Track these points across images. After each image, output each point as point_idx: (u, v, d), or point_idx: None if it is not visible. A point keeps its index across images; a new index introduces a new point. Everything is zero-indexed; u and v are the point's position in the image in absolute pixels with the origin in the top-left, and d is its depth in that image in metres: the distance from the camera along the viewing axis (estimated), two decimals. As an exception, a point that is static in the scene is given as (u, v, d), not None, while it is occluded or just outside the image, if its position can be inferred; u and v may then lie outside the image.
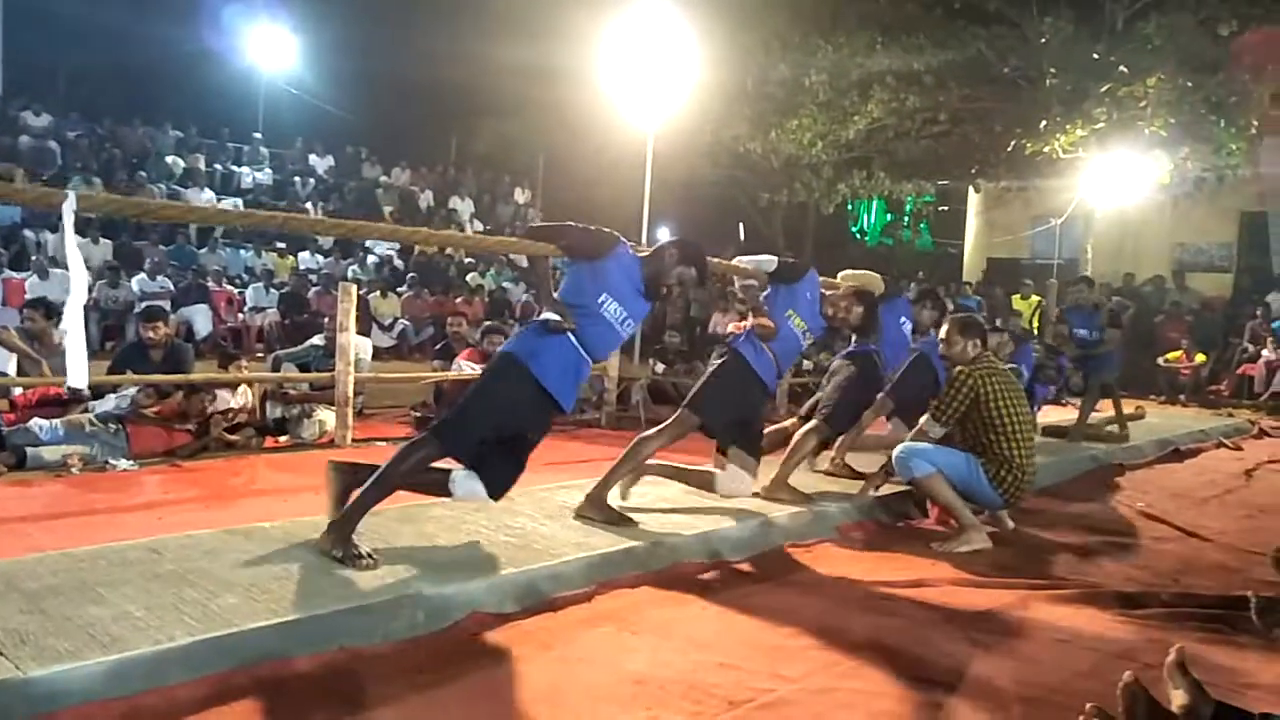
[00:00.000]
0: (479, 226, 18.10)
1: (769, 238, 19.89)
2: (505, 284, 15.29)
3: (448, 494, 3.27)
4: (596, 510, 3.77)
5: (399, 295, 13.43)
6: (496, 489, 3.26)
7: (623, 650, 2.67)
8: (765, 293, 4.34)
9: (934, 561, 3.77)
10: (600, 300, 3.36)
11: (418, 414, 6.95)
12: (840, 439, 4.98)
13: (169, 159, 15.67)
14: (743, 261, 4.49)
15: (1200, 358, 12.38)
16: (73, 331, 2.93)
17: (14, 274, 10.95)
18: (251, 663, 2.37)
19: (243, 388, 5.97)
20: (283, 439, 5.92)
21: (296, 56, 20.03)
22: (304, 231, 13.32)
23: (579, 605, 3.00)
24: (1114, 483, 5.86)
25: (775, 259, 4.43)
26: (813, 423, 4.65)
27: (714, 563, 3.50)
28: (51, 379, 5.48)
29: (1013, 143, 13.83)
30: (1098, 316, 7.76)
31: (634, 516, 3.81)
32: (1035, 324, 12.50)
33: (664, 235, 23.54)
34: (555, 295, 3.42)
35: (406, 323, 12.73)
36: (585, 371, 3.41)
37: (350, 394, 5.90)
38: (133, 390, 5.42)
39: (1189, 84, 11.72)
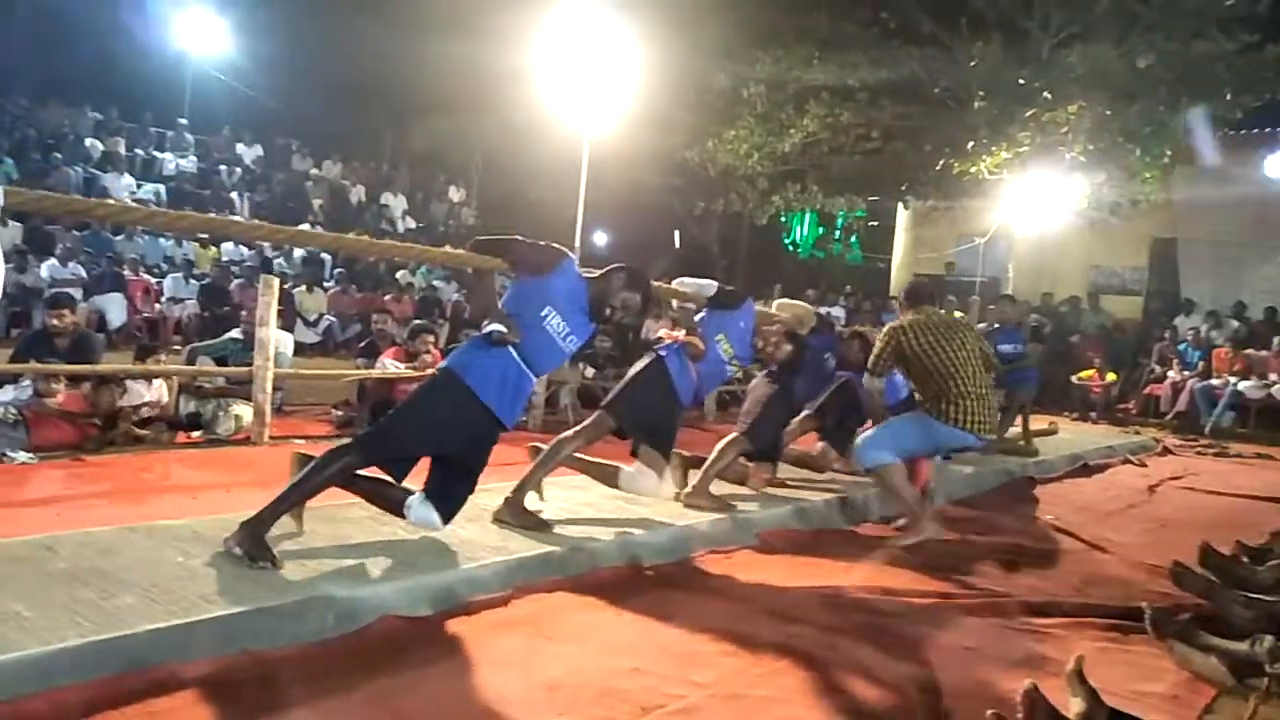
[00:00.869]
0: (411, 224, 17.86)
1: (704, 246, 20.05)
2: (436, 282, 15.09)
3: (401, 515, 3.24)
4: (514, 515, 3.74)
5: (325, 290, 13.15)
6: (449, 514, 3.26)
7: (537, 655, 2.65)
8: (700, 315, 4.42)
9: (849, 568, 3.83)
10: (543, 314, 3.36)
11: (339, 413, 6.80)
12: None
13: (87, 142, 15.09)
14: (685, 285, 4.56)
15: (1111, 377, 12.86)
16: None
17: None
18: (146, 666, 2.28)
19: (157, 381, 5.76)
20: (196, 435, 5.74)
21: (227, 42, 19.44)
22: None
23: (494, 610, 2.96)
24: (1026, 496, 6.04)
25: (716, 285, 4.53)
26: (734, 435, 4.70)
27: (632, 568, 3.50)
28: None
29: (941, 162, 14.19)
30: (1020, 333, 8.12)
31: (554, 521, 3.79)
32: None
33: (600, 240, 23.56)
34: (500, 307, 3.40)
35: (332, 319, 12.46)
36: (528, 386, 3.39)
37: (269, 390, 5.75)
38: (34, 380, 5.18)
39: (1108, 112, 12.19)
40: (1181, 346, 12.95)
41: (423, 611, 2.86)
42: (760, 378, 5.02)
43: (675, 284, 4.59)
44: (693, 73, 14.11)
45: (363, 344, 7.58)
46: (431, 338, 6.89)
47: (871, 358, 4.29)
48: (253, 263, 13.52)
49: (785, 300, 5.44)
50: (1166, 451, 9.31)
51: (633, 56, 10.63)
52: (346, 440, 3.28)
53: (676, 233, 21.87)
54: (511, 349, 3.28)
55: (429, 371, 6.75)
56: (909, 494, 4.12)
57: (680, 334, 4.27)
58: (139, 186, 14.53)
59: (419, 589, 2.95)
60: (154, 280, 12.17)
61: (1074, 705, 2.32)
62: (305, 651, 2.51)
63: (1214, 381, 12.01)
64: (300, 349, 10.58)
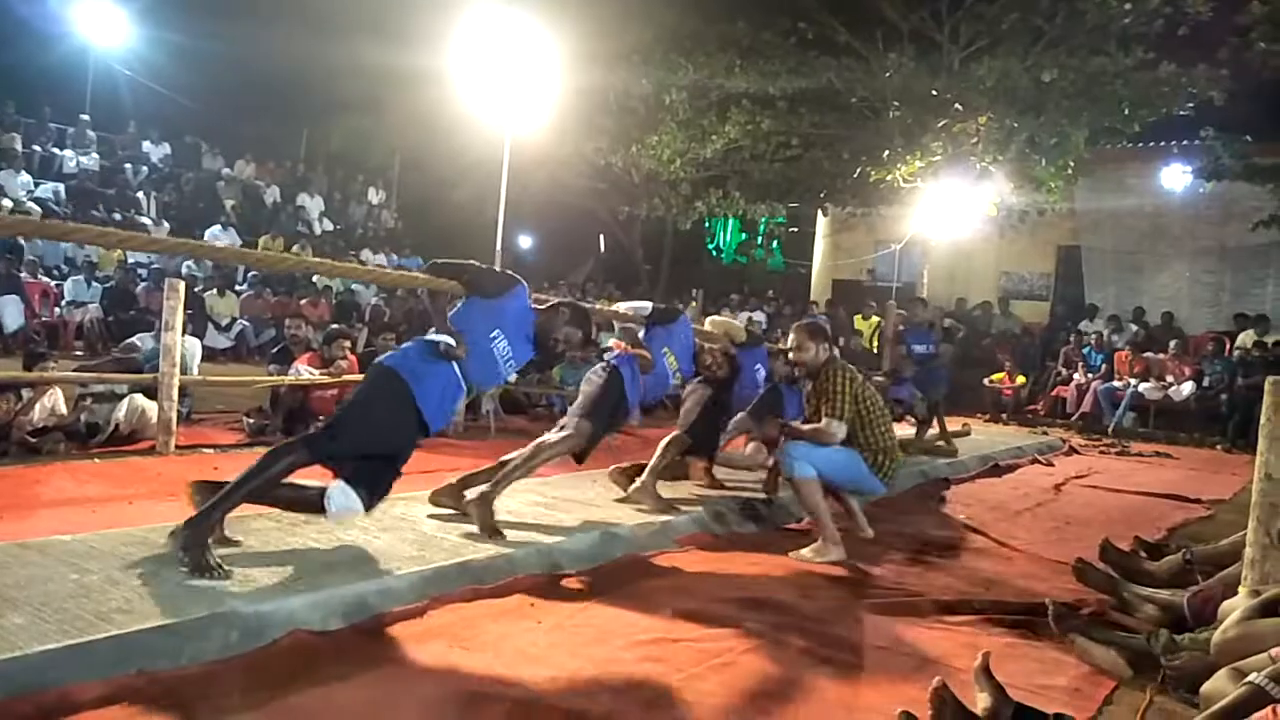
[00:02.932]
0: (329, 226, 17.47)
1: (627, 250, 20.09)
2: (354, 286, 14.78)
3: (321, 511, 3.17)
4: (482, 511, 3.76)
5: (238, 294, 12.75)
6: (373, 501, 3.24)
7: (452, 667, 2.60)
8: (643, 333, 4.68)
9: (766, 570, 3.87)
10: (491, 336, 3.48)
11: (251, 420, 6.59)
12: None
13: (-21, 137, 14.36)
14: (623, 308, 4.88)
15: (1020, 379, 13.32)
16: None
17: None
18: (35, 689, 2.16)
19: (52, 389, 5.48)
20: (95, 444, 5.48)
21: (132, 34, 18.65)
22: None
23: (410, 621, 2.89)
24: (939, 495, 6.20)
25: (651, 305, 4.89)
26: (674, 433, 5.00)
27: (551, 576, 3.47)
28: None
29: (858, 170, 14.51)
30: (932, 334, 8.45)
31: (474, 529, 3.75)
32: (874, 343, 13.14)
33: (524, 243, 23.40)
34: (449, 322, 3.49)
35: (245, 323, 12.09)
36: (461, 398, 3.49)
37: (174, 398, 5.53)
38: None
39: (1014, 124, 12.63)
40: (1085, 350, 13.50)
41: (334, 625, 2.79)
42: (695, 383, 5.31)
43: (615, 308, 4.89)
44: (615, 78, 14.13)
45: (276, 349, 7.36)
46: (348, 343, 6.73)
47: (835, 402, 4.20)
48: (160, 265, 13.03)
49: (716, 318, 5.75)
50: (1072, 451, 9.67)
51: (554, 60, 10.58)
52: (287, 441, 3.30)
53: (600, 236, 21.88)
54: (455, 363, 3.37)
55: (345, 378, 6.62)
56: (824, 511, 4.18)
57: (629, 347, 4.53)
58: (36, 185, 13.86)
59: (330, 601, 2.87)
60: (53, 283, 11.63)
61: (980, 701, 2.39)
62: (207, 670, 2.41)
63: (1116, 383, 12.55)
64: (212, 354, 10.25)
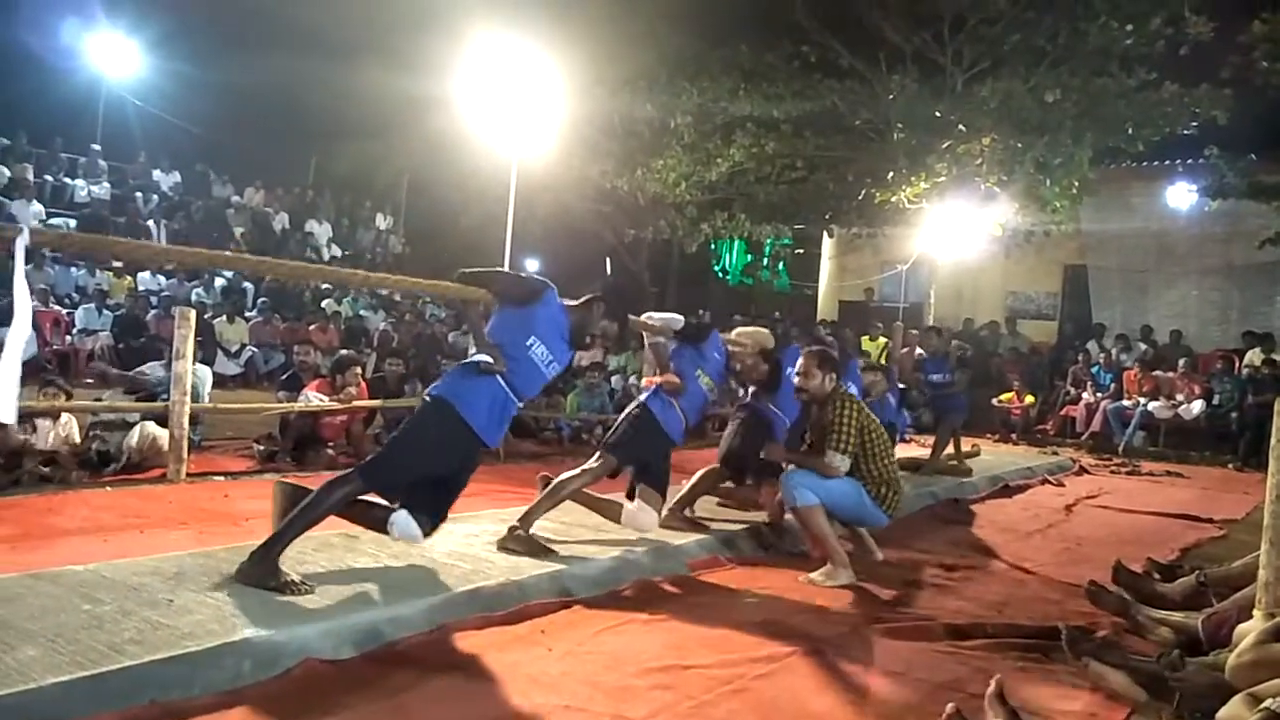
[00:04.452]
0: (337, 252, 17.58)
1: (634, 273, 20.15)
2: (362, 311, 14.84)
3: (385, 532, 3.37)
4: (519, 543, 3.92)
5: (247, 320, 12.82)
6: (432, 528, 3.39)
7: (463, 696, 2.60)
8: (672, 347, 4.70)
9: (779, 596, 3.86)
10: (528, 343, 3.54)
11: (261, 447, 6.61)
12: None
13: (-8, 168, 14.52)
14: (653, 319, 4.81)
15: (1029, 399, 13.29)
16: (8, 365, 2.79)
17: None
18: (49, 721, 2.17)
19: (65, 417, 5.51)
20: (107, 472, 5.51)
21: (142, 65, 18.89)
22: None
23: (421, 649, 2.89)
24: (949, 517, 6.17)
25: (682, 319, 4.82)
26: (712, 465, 5.08)
27: (562, 602, 3.46)
28: None
29: (863, 191, 14.56)
30: (948, 362, 8.54)
31: (485, 555, 3.77)
32: (883, 362, 13.12)
33: (531, 266, 23.48)
34: (486, 336, 3.57)
35: (255, 349, 12.15)
36: (512, 410, 3.56)
37: (185, 426, 5.56)
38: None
39: (1019, 145, 12.68)
40: (1094, 369, 13.47)
41: (346, 654, 2.79)
42: (737, 409, 5.32)
43: (644, 318, 4.79)
44: (620, 102, 14.24)
45: (285, 376, 7.40)
46: (359, 369, 6.75)
47: (840, 435, 4.19)
48: (170, 292, 13.11)
49: (743, 329, 5.70)
50: (1083, 471, 9.63)
51: (559, 85, 10.67)
52: (347, 470, 3.40)
53: (607, 259, 21.95)
54: (499, 377, 3.44)
55: (355, 404, 6.64)
56: (830, 536, 4.17)
57: (656, 379, 4.56)
58: (49, 215, 14.00)
59: (341, 630, 2.87)
60: (65, 311, 11.71)
61: (995, 727, 2.38)
62: (219, 700, 2.42)
63: (1125, 402, 12.51)
64: (221, 381, 10.29)
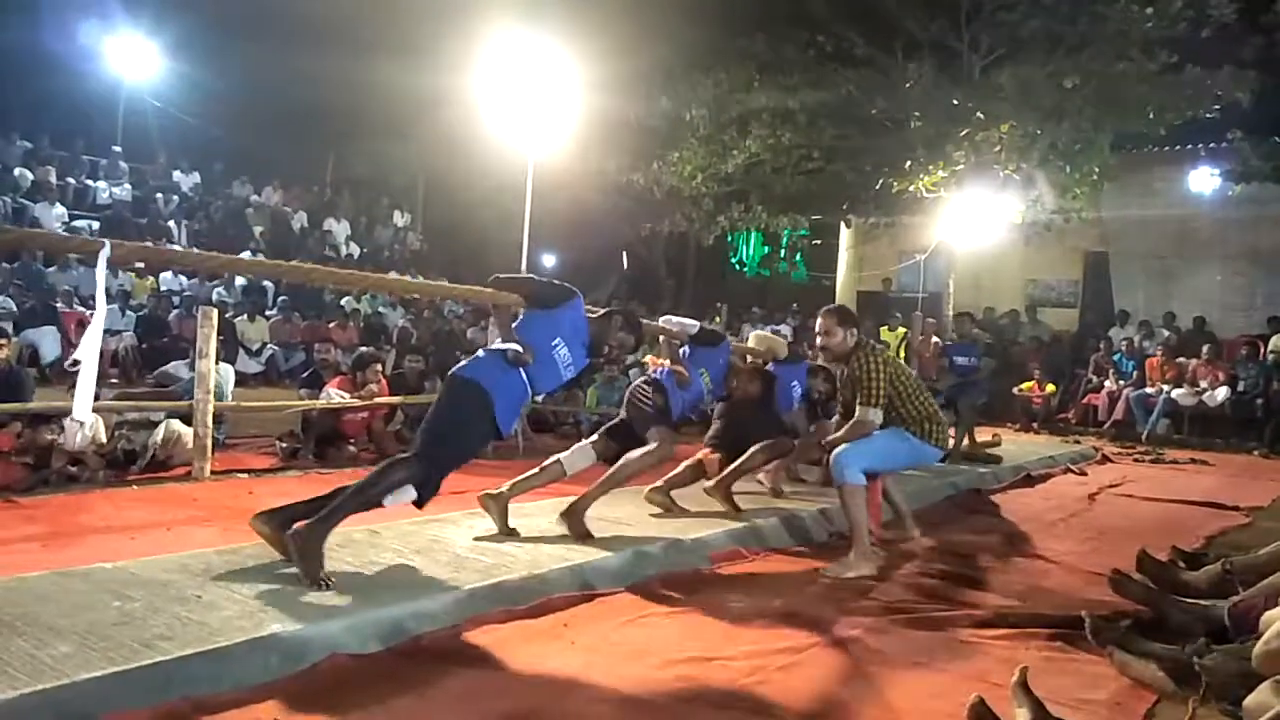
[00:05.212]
0: (355, 250, 17.68)
1: (651, 266, 20.16)
2: (381, 309, 14.93)
3: (380, 505, 3.40)
4: (574, 525, 4.09)
5: (267, 319, 12.92)
6: (425, 498, 3.46)
7: (487, 690, 2.62)
8: (684, 350, 4.84)
9: (801, 587, 3.86)
10: (553, 344, 3.71)
11: (284, 444, 6.67)
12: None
13: (16, 171, 14.67)
14: (670, 323, 4.99)
15: (1050, 388, 13.18)
16: (87, 369, 2.91)
17: None
18: (82, 716, 2.20)
19: (91, 417, 5.58)
20: (133, 471, 5.58)
21: (160, 67, 19.05)
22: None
23: (446, 643, 2.92)
24: (971, 507, 6.15)
25: (698, 324, 5.00)
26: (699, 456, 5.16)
27: (584, 595, 3.48)
28: None
29: (880, 181, 14.48)
30: (975, 347, 8.64)
31: (507, 549, 3.80)
32: (902, 354, 13.07)
33: (548, 262, 23.52)
34: (514, 332, 3.73)
35: (275, 348, 12.24)
36: (526, 403, 3.78)
37: (209, 424, 5.62)
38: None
39: (1038, 131, 12.57)
40: (1116, 357, 13.35)
41: (372, 648, 2.81)
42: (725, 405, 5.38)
43: (661, 322, 5.01)
44: (636, 96, 14.23)
45: (306, 374, 7.45)
46: (380, 366, 6.80)
47: (869, 388, 4.18)
48: (191, 292, 13.24)
49: (760, 333, 5.91)
50: (1105, 460, 9.56)
51: (574, 80, 10.68)
52: (402, 455, 3.49)
53: (625, 254, 21.96)
54: (522, 370, 3.59)
55: (376, 401, 6.69)
56: (862, 524, 4.16)
57: (665, 362, 4.69)
58: (72, 218, 14.16)
59: (367, 625, 2.90)
60: (88, 312, 11.84)
61: (1019, 716, 2.37)
62: (248, 695, 2.45)
63: (1148, 390, 12.39)
64: (243, 379, 10.38)
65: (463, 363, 3.75)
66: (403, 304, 15.28)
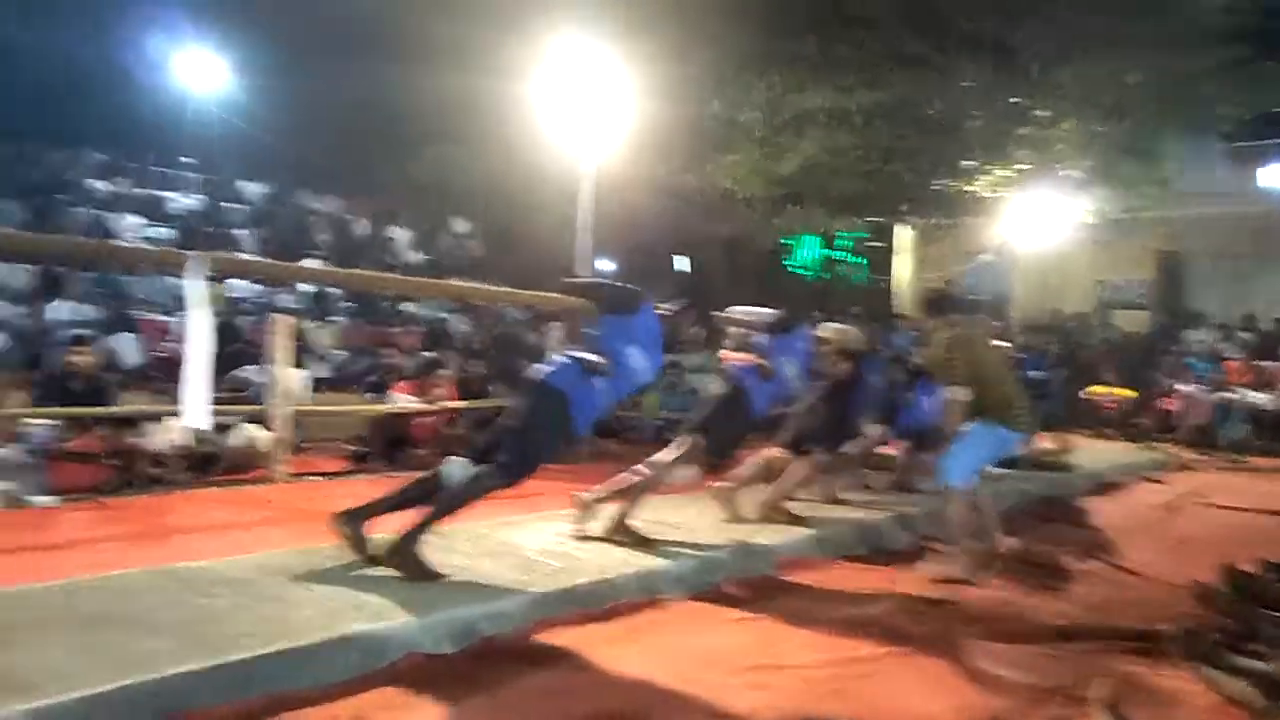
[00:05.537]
0: (417, 257, 17.96)
1: (706, 270, 20.09)
2: (443, 314, 15.14)
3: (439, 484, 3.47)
4: (625, 533, 4.07)
5: (334, 324, 13.20)
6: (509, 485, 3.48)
7: (559, 691, 2.64)
8: (763, 339, 4.72)
9: (874, 594, 3.81)
10: (628, 349, 3.71)
11: (353, 448, 6.80)
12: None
13: (93, 183, 15.22)
14: (741, 313, 4.88)
15: (1123, 392, 12.81)
16: (195, 376, 3.06)
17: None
18: (172, 709, 2.29)
19: (171, 420, 5.77)
20: (212, 472, 5.75)
21: (227, 81, 19.63)
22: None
23: (518, 645, 2.95)
24: (1045, 515, 6.00)
25: (774, 312, 4.83)
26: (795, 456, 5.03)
27: (653, 600, 3.49)
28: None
29: (941, 182, 14.25)
30: (1046, 358, 8.29)
31: (575, 553, 3.84)
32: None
33: (604, 267, 23.60)
34: (590, 339, 3.77)
35: (342, 353, 12.48)
36: (603, 410, 3.77)
37: (285, 428, 5.76)
38: (51, 424, 5.21)
39: (1101, 129, 12.23)
40: (1191, 360, 12.92)
41: (446, 648, 2.86)
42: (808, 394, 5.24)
43: (731, 312, 4.87)
44: (687, 99, 14.19)
45: (372, 378, 7.59)
46: (447, 373, 6.90)
47: (946, 370, 4.26)
48: (260, 298, 13.57)
49: (832, 325, 5.70)
50: (1183, 467, 9.25)
51: (628, 84, 10.72)
52: (489, 467, 3.51)
53: (680, 258, 21.95)
54: (601, 378, 3.62)
55: (442, 405, 6.79)
56: (963, 528, 4.13)
57: (743, 356, 4.61)
58: (147, 227, 14.63)
59: (441, 625, 2.95)
60: (165, 319, 12.22)
61: (1106, 731, 2.31)
62: (328, 692, 2.51)
63: (1227, 394, 11.96)
64: (311, 384, 10.59)
65: (543, 368, 3.75)
66: (463, 309, 15.47)
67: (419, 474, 3.61)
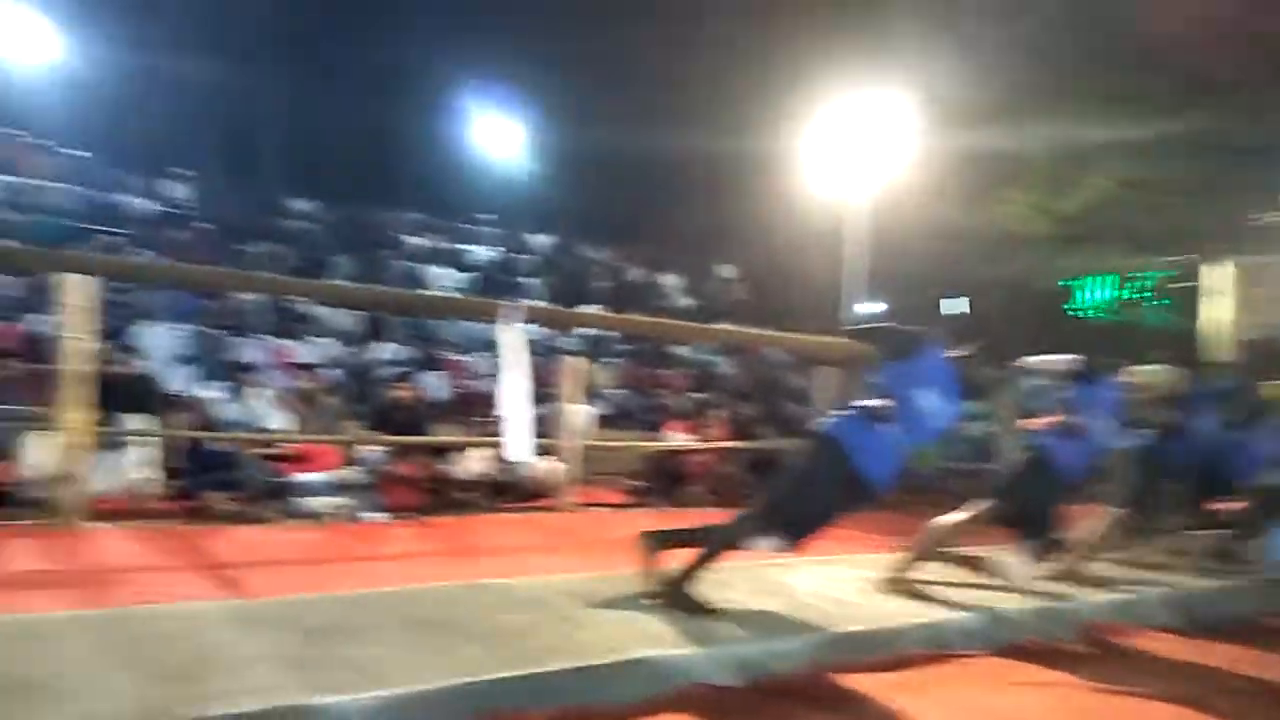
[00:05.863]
0: (688, 302, 18.55)
1: (982, 313, 19.06)
2: (709, 356, 15.50)
3: (742, 546, 3.51)
4: (897, 585, 3.98)
5: (609, 364, 13.93)
6: (787, 545, 3.49)
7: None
8: (1067, 392, 4.46)
9: (1198, 670, 3.40)
10: (917, 394, 3.61)
11: (632, 483, 7.14)
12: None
13: (408, 238, 17.25)
14: (1038, 362, 4.64)
15: None
16: (515, 413, 3.46)
17: (283, 341, 12.31)
18: (487, 711, 2.51)
19: (477, 451, 6.39)
20: (511, 501, 6.26)
21: (522, 144, 21.71)
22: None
23: (801, 685, 2.95)
24: None
25: (1074, 359, 4.51)
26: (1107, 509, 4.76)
27: (941, 653, 3.35)
28: (316, 437, 6.10)
29: (1260, 216, 12.63)
30: None
31: (854, 599, 3.80)
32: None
33: (869, 309, 23.10)
34: (876, 387, 3.70)
35: (618, 392, 13.14)
36: (902, 457, 3.64)
37: (573, 461, 6.17)
38: (381, 450, 5.94)
39: None
40: None
41: (729, 681, 2.91)
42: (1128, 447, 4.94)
43: (1027, 361, 4.64)
44: (965, 137, 13.65)
45: (648, 417, 7.93)
46: (724, 413, 7.08)
47: None
48: (546, 340, 14.63)
49: (1145, 367, 5.28)
50: None
51: (901, 126, 10.52)
52: (746, 513, 3.56)
53: (954, 300, 21.01)
54: (889, 424, 3.54)
55: (716, 444, 6.97)
56: None
57: (1050, 419, 4.40)
58: (455, 276, 16.31)
59: (726, 658, 3.00)
60: (467, 358, 13.52)
61: None
62: (615, 711, 2.63)
63: None
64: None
65: (824, 419, 3.75)
66: (729, 352, 15.75)
67: (720, 519, 3.64)
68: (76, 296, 4.66)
